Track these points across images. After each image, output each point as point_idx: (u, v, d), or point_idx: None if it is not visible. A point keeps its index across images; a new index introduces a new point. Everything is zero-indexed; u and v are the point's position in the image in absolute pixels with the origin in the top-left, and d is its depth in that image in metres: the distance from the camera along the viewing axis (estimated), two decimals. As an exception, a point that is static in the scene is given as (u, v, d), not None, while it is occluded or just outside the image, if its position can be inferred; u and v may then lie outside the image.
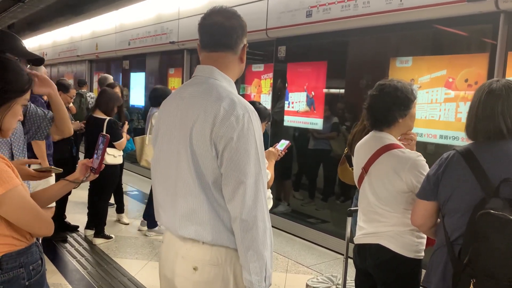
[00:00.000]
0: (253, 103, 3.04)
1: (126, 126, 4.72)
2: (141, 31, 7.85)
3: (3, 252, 1.41)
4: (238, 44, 1.54)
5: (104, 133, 1.73)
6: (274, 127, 5.48)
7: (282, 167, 5.51)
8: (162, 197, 1.58)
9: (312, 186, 5.75)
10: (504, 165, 1.57)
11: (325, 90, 5.01)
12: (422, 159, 2.01)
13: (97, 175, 1.73)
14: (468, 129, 1.70)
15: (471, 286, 1.48)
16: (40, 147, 3.43)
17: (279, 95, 5.53)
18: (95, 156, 1.67)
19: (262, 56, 5.80)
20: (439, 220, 1.78)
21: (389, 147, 2.06)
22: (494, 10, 3.23)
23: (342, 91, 5.12)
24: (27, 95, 1.49)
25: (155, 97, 4.59)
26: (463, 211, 1.59)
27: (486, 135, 1.63)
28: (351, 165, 3.37)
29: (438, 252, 1.74)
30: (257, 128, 1.43)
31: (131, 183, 6.83)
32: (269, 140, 5.35)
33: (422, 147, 3.92)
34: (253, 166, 1.39)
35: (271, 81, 5.55)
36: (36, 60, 2.19)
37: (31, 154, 3.21)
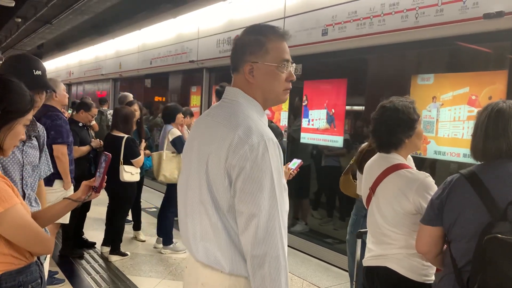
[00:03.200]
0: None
1: (143, 144, 4.79)
2: (163, 51, 8.02)
3: (2, 270, 1.43)
4: (239, 64, 1.46)
5: (106, 152, 1.74)
6: (291, 144, 5.46)
7: (300, 186, 5.47)
8: (181, 217, 1.56)
9: (331, 205, 5.68)
10: (511, 187, 1.50)
11: (346, 108, 4.99)
12: (430, 180, 1.96)
13: (99, 194, 1.74)
14: (476, 149, 1.64)
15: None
16: (63, 163, 3.52)
17: (296, 113, 5.52)
18: (97, 174, 1.69)
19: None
20: (445, 247, 1.72)
21: (396, 167, 2.02)
22: (511, 27, 3.16)
23: (362, 108, 5.09)
24: (29, 116, 1.53)
25: (168, 114, 4.70)
26: (470, 236, 1.53)
27: (497, 154, 1.58)
28: (354, 178, 3.32)
29: (445, 279, 1.68)
30: (274, 157, 1.34)
31: (149, 200, 6.89)
32: (285, 158, 5.33)
33: (446, 165, 3.82)
34: (267, 198, 1.31)
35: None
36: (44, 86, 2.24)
37: (55, 171, 3.28)
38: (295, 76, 1.49)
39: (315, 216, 5.71)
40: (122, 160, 4.34)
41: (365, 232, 2.29)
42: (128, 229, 5.20)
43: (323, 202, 5.77)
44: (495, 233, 1.41)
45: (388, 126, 2.05)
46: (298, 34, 4.99)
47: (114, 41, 10.21)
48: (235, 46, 1.50)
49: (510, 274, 1.38)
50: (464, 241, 1.58)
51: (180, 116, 4.81)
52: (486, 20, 3.21)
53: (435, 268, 1.97)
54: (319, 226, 5.55)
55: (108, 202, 4.66)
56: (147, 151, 4.91)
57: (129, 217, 5.29)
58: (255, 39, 1.44)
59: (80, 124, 4.52)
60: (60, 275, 3.96)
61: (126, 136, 4.39)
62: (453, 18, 3.45)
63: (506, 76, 3.38)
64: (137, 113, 4.90)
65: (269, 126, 2.86)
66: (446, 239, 1.70)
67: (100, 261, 4.43)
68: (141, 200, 5.32)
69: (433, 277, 1.97)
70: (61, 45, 14.44)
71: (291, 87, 1.50)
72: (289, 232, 5.29)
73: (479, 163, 1.65)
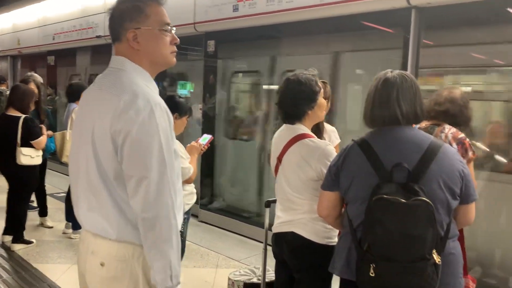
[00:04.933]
0: (172, 96, 3.00)
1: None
2: (66, 25, 7.47)
3: None
4: (120, 33, 1.44)
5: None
6: (207, 122, 5.43)
7: (217, 163, 5.48)
8: (73, 192, 1.55)
9: (247, 181, 5.78)
10: (396, 151, 1.63)
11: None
12: (331, 148, 2.06)
13: None
14: (366, 117, 1.76)
15: (371, 270, 1.53)
16: None
17: (211, 91, 5.48)
18: None
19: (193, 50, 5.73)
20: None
21: (300, 137, 2.10)
22: (406, 6, 3.38)
23: (276, 86, 5.18)
24: None
25: (72, 93, 4.45)
26: (363, 198, 1.64)
27: (381, 121, 1.70)
28: None
29: (343, 238, 1.79)
30: (162, 121, 1.36)
31: (57, 185, 6.48)
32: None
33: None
34: (156, 161, 1.33)
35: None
36: None
37: None
38: (178, 39, 1.51)
39: (232, 192, 5.78)
40: (19, 142, 4.01)
41: (273, 201, 2.36)
42: (34, 216, 4.87)
43: (240, 178, 5.85)
44: (382, 194, 1.52)
45: (292, 98, 2.11)
46: (209, 9, 4.92)
47: (10, 14, 9.29)
48: (112, 15, 1.47)
49: (395, 231, 1.49)
50: (357, 203, 1.68)
51: (85, 94, 4.52)
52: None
53: (337, 231, 2.09)
54: (236, 201, 5.63)
55: (8, 188, 4.30)
56: (50, 132, 4.58)
57: (35, 204, 4.96)
58: (133, 6, 1.44)
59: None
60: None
61: (23, 116, 4.06)
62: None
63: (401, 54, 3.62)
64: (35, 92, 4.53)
65: (176, 101, 2.84)
66: (344, 202, 1.81)
67: (1, 251, 4.11)
68: (47, 185, 4.99)
69: (335, 239, 2.09)
70: None
71: (176, 50, 1.52)
72: (207, 209, 5.35)
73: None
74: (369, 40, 4.05)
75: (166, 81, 6.25)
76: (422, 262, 1.46)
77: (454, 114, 2.40)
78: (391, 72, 1.73)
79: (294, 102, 2.11)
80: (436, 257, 1.48)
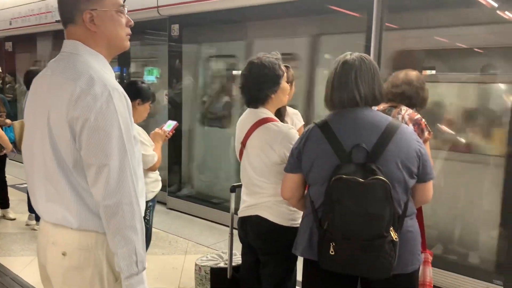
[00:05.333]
0: (134, 82, 2.94)
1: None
2: (24, 9, 7.16)
3: None
4: (74, 14, 1.38)
5: None
6: (174, 109, 5.35)
7: (180, 149, 5.43)
8: (29, 183, 1.50)
9: (216, 167, 5.75)
10: (355, 132, 1.66)
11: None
12: (293, 131, 2.07)
13: None
14: (326, 99, 1.77)
15: (331, 249, 1.56)
16: None
17: (177, 76, 5.39)
18: None
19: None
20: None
21: (264, 121, 2.10)
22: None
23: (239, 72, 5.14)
24: None
25: (29, 80, 4.25)
26: (324, 179, 1.66)
27: (341, 103, 1.71)
28: None
29: (305, 219, 1.82)
30: (121, 106, 1.33)
31: (20, 175, 6.28)
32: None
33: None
34: (117, 148, 1.31)
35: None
36: None
37: None
38: (132, 21, 1.48)
39: (201, 178, 5.75)
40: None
41: (239, 186, 2.36)
42: (-5, 208, 4.72)
43: (209, 164, 5.82)
44: (341, 174, 1.55)
45: (255, 82, 2.10)
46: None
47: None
48: None
49: (353, 210, 1.52)
50: (319, 185, 1.70)
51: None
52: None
53: (301, 213, 2.12)
54: (205, 188, 5.61)
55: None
56: (8, 121, 4.42)
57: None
58: None
59: None
60: None
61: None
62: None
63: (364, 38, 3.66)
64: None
65: (139, 87, 2.77)
66: (307, 184, 1.83)
67: (-40, 245, 3.97)
68: (8, 175, 4.83)
69: (299, 221, 2.12)
70: None
71: (131, 33, 1.48)
72: (175, 196, 5.32)
73: None
74: (334, 24, 4.06)
75: (130, 67, 6.10)
76: (379, 240, 1.50)
77: (410, 95, 2.45)
78: (351, 54, 1.74)
79: (258, 86, 2.10)
80: (394, 234, 1.52)
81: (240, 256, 2.39)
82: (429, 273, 2.20)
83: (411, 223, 1.70)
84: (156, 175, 2.85)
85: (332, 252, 1.54)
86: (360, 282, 1.78)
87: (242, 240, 2.28)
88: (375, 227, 1.51)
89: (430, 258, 2.22)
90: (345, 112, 1.72)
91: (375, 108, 1.83)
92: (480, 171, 3.53)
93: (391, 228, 1.52)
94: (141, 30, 5.32)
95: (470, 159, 3.63)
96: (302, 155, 1.77)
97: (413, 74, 2.56)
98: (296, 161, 1.79)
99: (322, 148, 1.69)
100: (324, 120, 1.75)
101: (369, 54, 3.26)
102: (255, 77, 2.10)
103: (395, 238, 1.53)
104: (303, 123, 2.86)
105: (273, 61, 2.12)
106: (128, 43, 1.49)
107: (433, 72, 3.82)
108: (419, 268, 1.77)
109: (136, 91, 2.67)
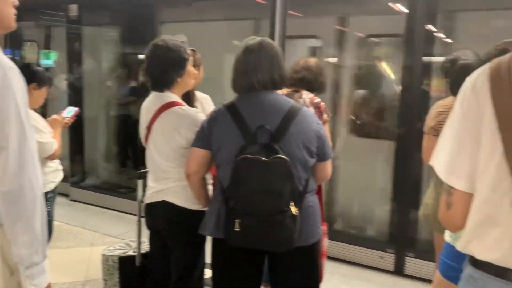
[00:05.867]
0: (28, 65, 2.73)
1: None
2: None
3: None
4: None
5: None
6: (74, 94, 5.05)
7: (82, 137, 5.16)
8: None
9: (123, 156, 5.56)
10: (260, 114, 1.72)
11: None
12: (201, 115, 2.07)
13: None
14: (232, 84, 1.83)
15: (237, 225, 1.62)
16: None
17: (77, 60, 5.08)
18: None
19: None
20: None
21: (170, 105, 2.07)
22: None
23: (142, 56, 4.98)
24: None
25: None
26: (230, 160, 1.70)
27: (243, 88, 1.78)
28: None
29: (214, 200, 1.85)
30: (19, 85, 1.24)
31: None
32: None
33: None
34: (16, 129, 1.21)
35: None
36: None
37: None
38: (17, 1, 1.38)
39: (107, 168, 5.52)
40: None
41: (146, 172, 2.32)
42: None
43: (116, 153, 5.61)
44: (245, 154, 1.61)
45: (160, 65, 2.06)
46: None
47: None
48: None
49: (256, 187, 1.60)
50: (226, 165, 1.74)
51: None
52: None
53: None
54: (111, 177, 5.40)
55: None
56: None
57: None
58: None
59: None
60: None
61: None
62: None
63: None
64: None
65: (34, 70, 2.58)
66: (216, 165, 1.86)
67: None
68: None
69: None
70: None
71: (16, 12, 1.38)
72: (79, 187, 5.05)
73: None
74: (239, 9, 4.11)
75: (23, 49, 5.62)
76: (280, 215, 1.60)
77: (310, 80, 2.61)
78: (253, 39, 1.79)
79: (163, 69, 2.06)
80: (294, 209, 1.62)
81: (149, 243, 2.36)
82: (325, 244, 2.41)
83: (312, 199, 1.82)
84: (56, 165, 2.69)
85: (237, 228, 1.61)
86: (267, 257, 1.86)
87: (149, 227, 2.25)
88: (276, 203, 1.60)
89: (326, 230, 2.42)
90: (250, 95, 1.78)
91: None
92: (375, 152, 3.86)
93: (291, 203, 1.62)
94: (36, 9, 4.91)
95: (366, 142, 3.95)
96: (211, 136, 1.79)
97: (312, 61, 2.74)
98: (205, 138, 1.81)
99: (229, 130, 1.73)
100: (232, 102, 1.79)
101: (273, 39, 3.35)
102: (160, 60, 2.05)
103: (296, 213, 1.63)
104: (213, 107, 2.87)
105: (178, 44, 2.09)
106: (15, 23, 1.38)
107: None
108: (320, 240, 1.91)
109: (31, 75, 2.48)
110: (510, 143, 0.93)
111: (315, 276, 1.90)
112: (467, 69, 1.34)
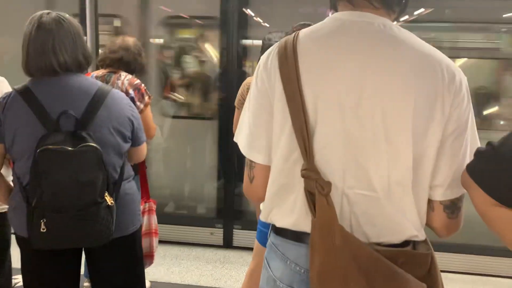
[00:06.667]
0: None
1: None
2: None
3: None
4: None
5: None
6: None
7: None
8: None
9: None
10: (62, 99, 1.55)
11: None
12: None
13: None
14: (23, 65, 1.59)
15: (42, 225, 1.44)
16: None
17: None
18: None
19: None
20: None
21: None
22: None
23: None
24: None
25: None
26: (29, 152, 1.50)
27: (39, 71, 1.56)
28: None
29: (13, 198, 1.61)
30: None
31: None
32: None
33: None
34: None
35: None
36: None
37: None
38: None
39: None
40: None
41: None
42: None
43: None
44: (47, 145, 1.43)
45: None
46: None
47: None
48: None
49: (63, 180, 1.43)
50: (24, 159, 1.53)
51: None
52: None
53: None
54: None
55: None
56: None
57: None
58: None
59: None
60: None
61: None
62: None
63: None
64: None
65: None
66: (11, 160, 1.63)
67: None
68: None
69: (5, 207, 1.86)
70: None
71: None
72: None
73: None
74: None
75: None
76: (94, 207, 1.47)
77: (129, 61, 2.48)
78: (47, 14, 1.57)
79: None
80: (109, 200, 1.51)
81: None
82: (154, 221, 2.36)
83: (129, 186, 1.73)
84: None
85: (43, 229, 1.43)
86: (84, 252, 1.73)
87: None
88: (88, 195, 1.46)
89: (154, 207, 2.36)
90: (50, 79, 1.57)
91: (93, 74, 1.75)
92: (199, 132, 3.94)
93: (106, 194, 1.51)
94: None
95: (193, 123, 3.99)
96: (3, 126, 1.55)
97: (130, 40, 2.58)
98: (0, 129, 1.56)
99: (25, 118, 1.52)
100: (26, 85, 1.56)
101: (84, 15, 3.05)
102: None
103: (111, 203, 1.52)
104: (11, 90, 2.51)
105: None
106: None
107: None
108: (140, 226, 1.85)
109: None
110: (296, 116, 1.02)
111: (138, 265, 1.83)
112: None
